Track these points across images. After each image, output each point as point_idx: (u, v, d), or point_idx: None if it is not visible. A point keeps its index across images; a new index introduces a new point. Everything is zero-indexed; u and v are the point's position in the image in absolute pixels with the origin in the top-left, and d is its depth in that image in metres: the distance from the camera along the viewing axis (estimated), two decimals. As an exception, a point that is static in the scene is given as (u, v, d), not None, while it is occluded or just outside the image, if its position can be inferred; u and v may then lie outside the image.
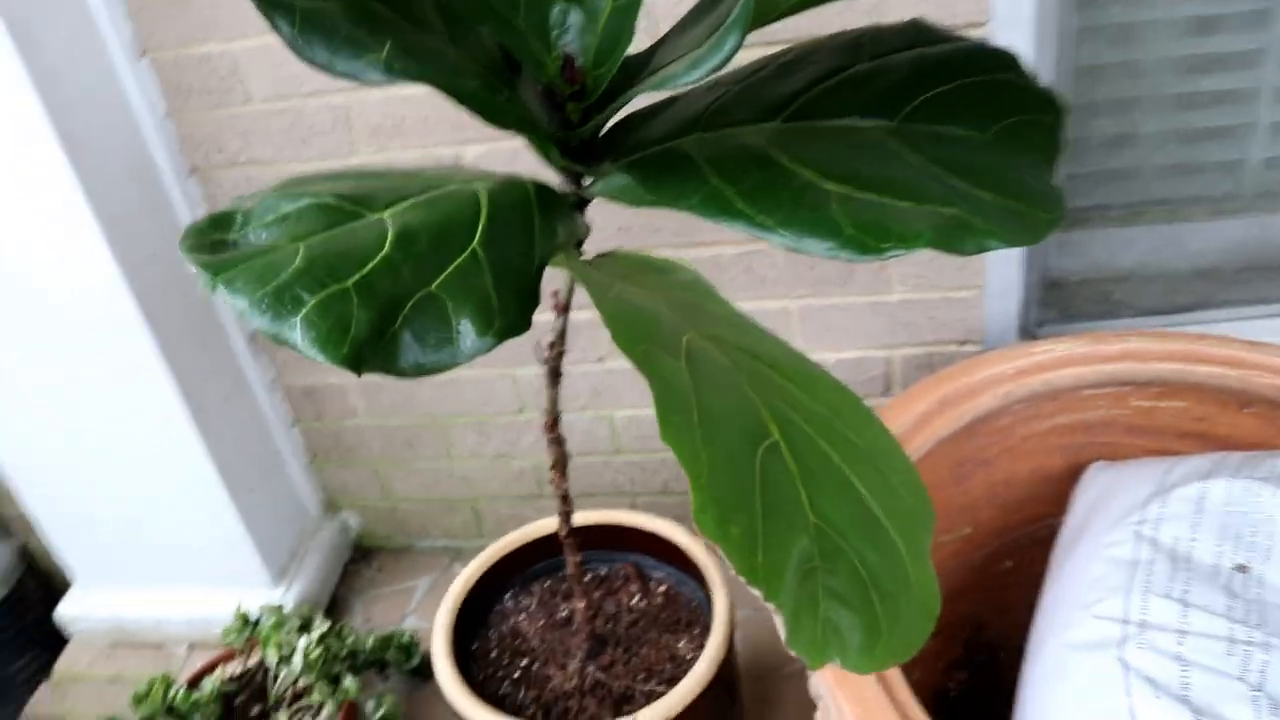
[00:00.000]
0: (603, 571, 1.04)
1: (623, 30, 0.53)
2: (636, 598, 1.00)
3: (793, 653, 0.36)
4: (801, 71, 0.57)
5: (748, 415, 0.42)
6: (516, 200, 0.51)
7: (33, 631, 1.40)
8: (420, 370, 0.43)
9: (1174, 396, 0.92)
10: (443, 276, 0.45)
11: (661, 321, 0.46)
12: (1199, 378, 0.89)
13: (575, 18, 0.54)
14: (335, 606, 1.35)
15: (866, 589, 0.40)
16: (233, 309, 0.41)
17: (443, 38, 0.49)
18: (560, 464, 0.77)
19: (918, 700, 0.69)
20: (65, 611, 1.34)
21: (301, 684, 1.04)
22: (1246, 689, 0.65)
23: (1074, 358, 0.91)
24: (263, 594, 1.25)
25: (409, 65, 0.43)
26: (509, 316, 0.45)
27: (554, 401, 0.71)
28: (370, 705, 1.04)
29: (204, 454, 1.13)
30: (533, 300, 0.48)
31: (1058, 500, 0.98)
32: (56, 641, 1.38)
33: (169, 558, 1.26)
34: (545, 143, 0.53)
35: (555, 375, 0.69)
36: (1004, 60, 0.54)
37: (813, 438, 0.44)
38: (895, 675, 0.67)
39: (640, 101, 0.55)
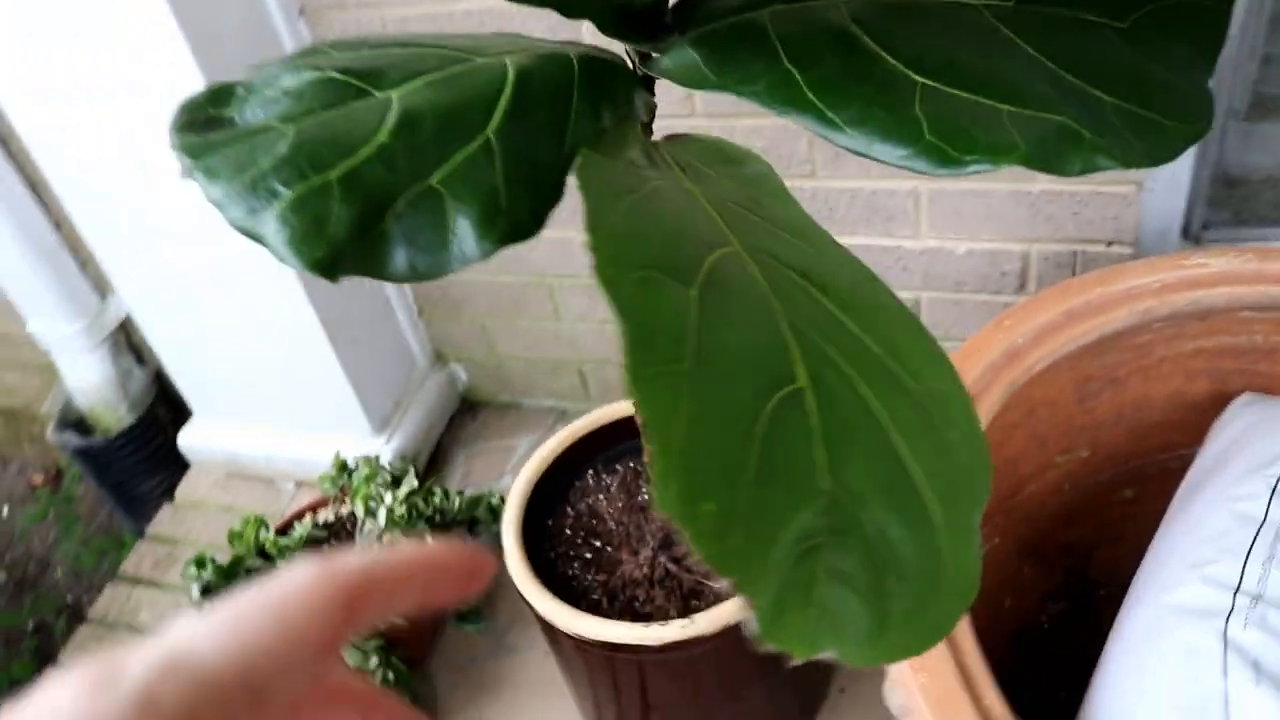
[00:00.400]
0: (613, 471, 1.00)
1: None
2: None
3: (769, 646, 0.31)
4: (909, -69, 0.48)
5: (770, 355, 0.36)
6: (553, 78, 0.45)
7: (163, 454, 1.49)
8: (409, 275, 0.38)
9: (1350, 327, 0.79)
10: (445, 169, 0.39)
11: (686, 235, 0.40)
12: (1385, 309, 0.76)
13: None
14: (438, 457, 1.37)
15: (881, 572, 0.34)
16: (208, 200, 0.36)
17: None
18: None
19: (1001, 634, 0.63)
20: (186, 440, 1.41)
21: (386, 539, 1.06)
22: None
23: (1233, 275, 0.79)
24: (365, 441, 1.28)
25: None
26: (517, 216, 0.40)
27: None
28: (451, 565, 1.05)
29: (305, 301, 1.14)
30: (552, 196, 0.42)
31: (1195, 430, 0.88)
32: (184, 466, 1.46)
33: (277, 400, 1.29)
34: (602, 16, 0.46)
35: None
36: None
37: (852, 382, 0.37)
38: (965, 631, 0.61)
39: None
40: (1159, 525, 0.79)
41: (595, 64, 0.47)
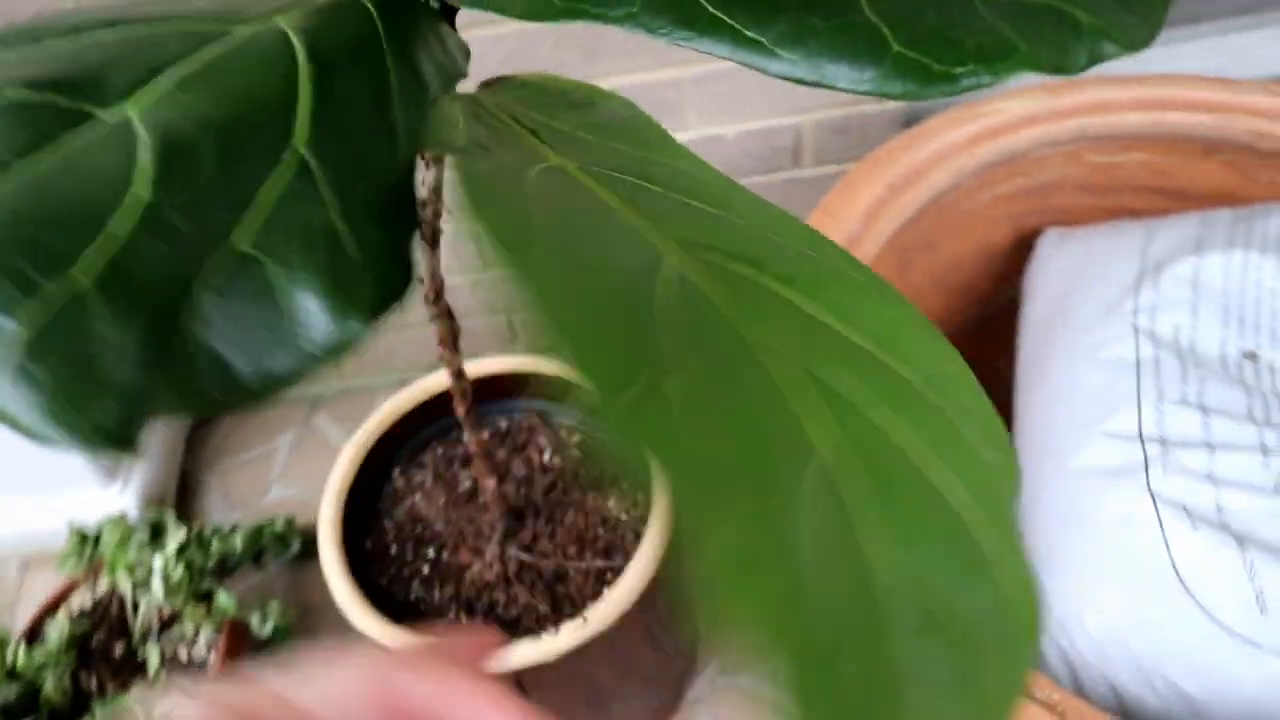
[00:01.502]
0: (503, 426, 0.89)
1: None
2: (548, 453, 0.86)
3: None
4: None
5: (772, 421, 0.26)
6: (354, 39, 0.31)
7: None
8: (245, 402, 0.25)
9: (1134, 149, 0.80)
10: (249, 217, 0.26)
11: (617, 267, 0.28)
12: (1165, 126, 0.77)
13: None
14: (186, 488, 1.17)
15: (961, 648, 0.26)
16: None
17: None
18: (450, 339, 0.59)
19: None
20: None
21: (168, 610, 0.88)
22: (1288, 504, 0.57)
23: (1030, 117, 0.77)
24: (97, 495, 1.06)
25: None
26: (380, 268, 0.27)
27: (435, 270, 0.53)
28: (255, 618, 0.89)
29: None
30: (409, 224, 0.29)
31: (1004, 276, 0.88)
32: None
33: (-32, 472, 1.04)
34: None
35: (434, 240, 0.50)
36: None
37: (860, 413, 0.28)
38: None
39: None
40: (992, 378, 0.78)
41: (399, 7, 0.34)
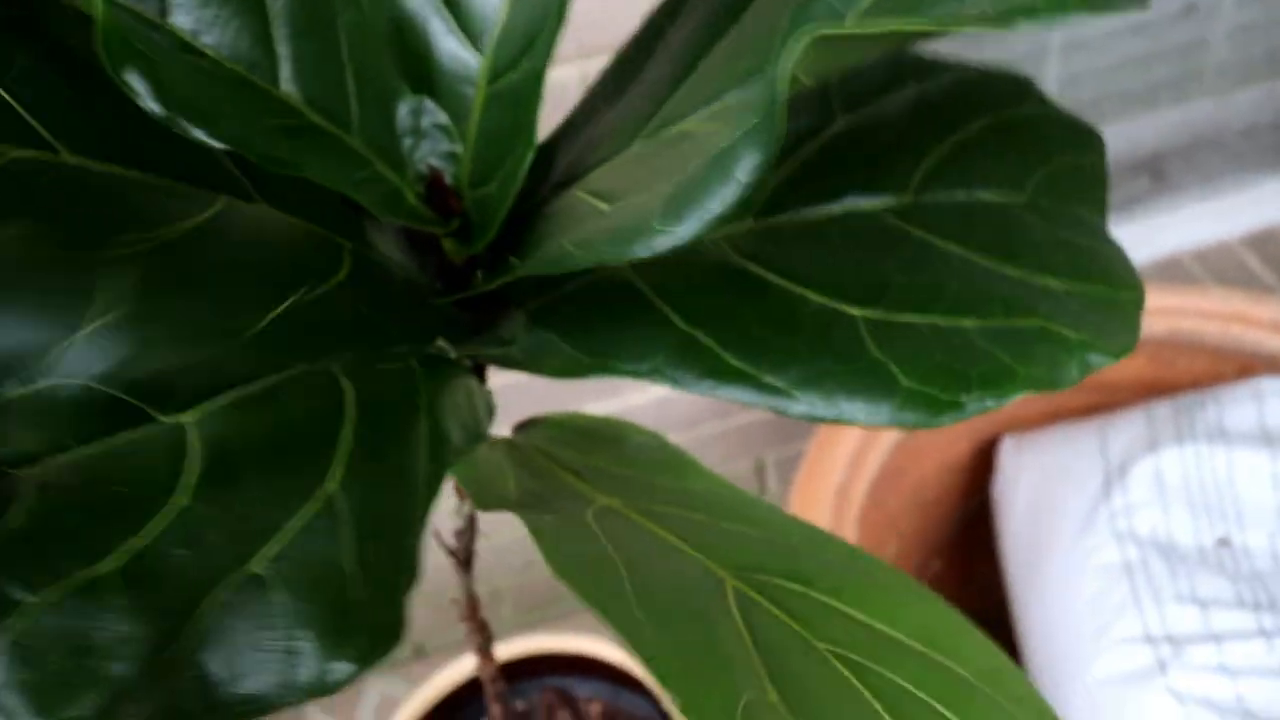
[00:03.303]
0: (520, 707, 0.87)
1: (510, 122, 0.36)
2: (572, 728, 0.85)
3: None
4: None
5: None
6: (396, 387, 0.33)
7: None
8: (228, 714, 0.25)
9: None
10: (272, 544, 0.26)
11: (697, 597, 0.31)
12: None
13: (433, 115, 0.36)
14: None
15: None
16: None
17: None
18: (485, 647, 0.60)
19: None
20: None
21: None
22: (1296, 683, 0.59)
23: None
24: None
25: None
26: (377, 616, 0.27)
27: (470, 590, 0.54)
28: None
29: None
30: (411, 575, 0.30)
31: (970, 488, 0.92)
32: None
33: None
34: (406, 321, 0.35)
35: (468, 563, 0.52)
36: (1021, 87, 0.41)
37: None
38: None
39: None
40: (972, 589, 0.80)
41: (436, 365, 0.36)
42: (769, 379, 0.35)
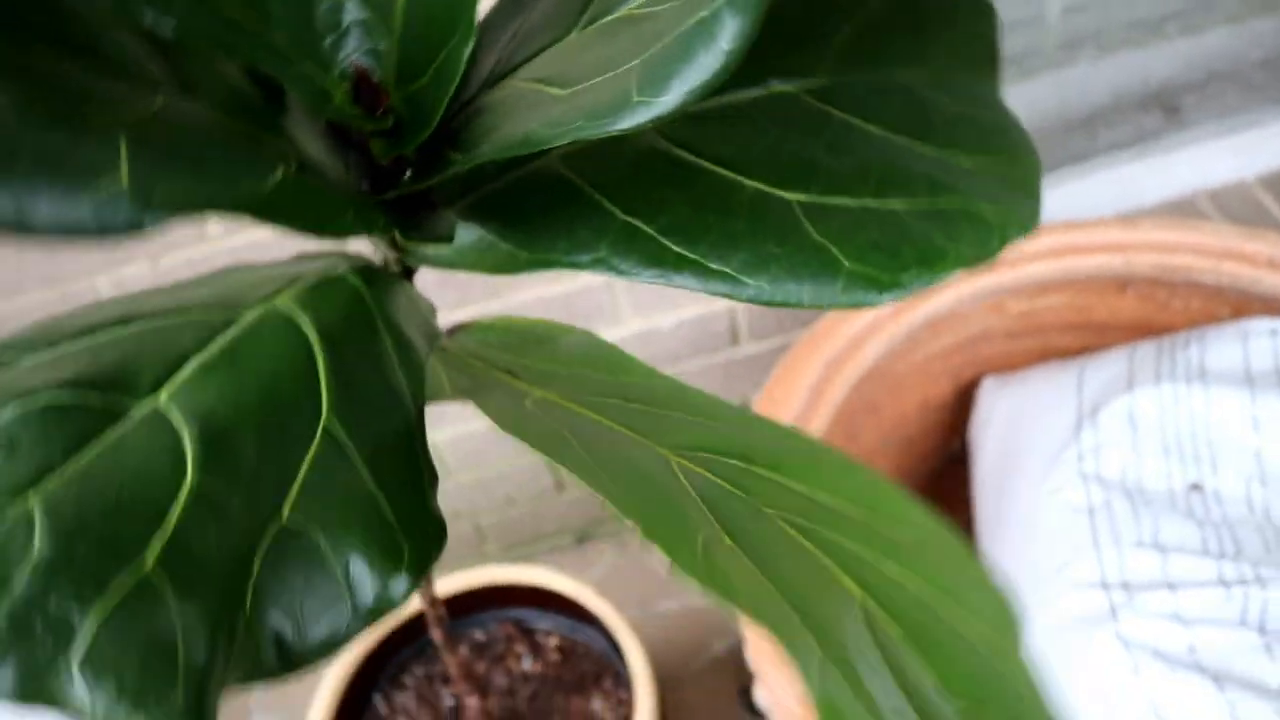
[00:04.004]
0: (479, 638, 0.87)
1: (441, 15, 0.36)
2: (527, 660, 0.85)
3: None
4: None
5: (827, 585, 0.28)
6: (348, 314, 0.33)
7: None
8: (308, 663, 0.25)
9: (1053, 293, 0.85)
10: (293, 492, 0.27)
11: (644, 463, 0.30)
12: (1078, 270, 0.82)
13: (354, 11, 0.36)
14: None
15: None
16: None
17: (162, 87, 0.30)
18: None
19: None
20: None
21: None
22: (1257, 636, 0.58)
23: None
24: None
25: (174, 183, 0.23)
26: (416, 523, 0.28)
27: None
28: None
29: None
30: (430, 470, 0.31)
31: (952, 427, 0.91)
32: None
33: None
34: (341, 214, 0.35)
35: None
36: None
37: (884, 574, 0.30)
38: None
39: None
40: (972, 532, 0.80)
41: (373, 276, 0.36)
42: (714, 265, 0.35)
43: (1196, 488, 0.68)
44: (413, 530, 0.28)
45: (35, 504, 0.24)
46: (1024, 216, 0.36)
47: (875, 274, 0.33)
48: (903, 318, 0.81)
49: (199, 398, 0.27)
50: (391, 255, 0.40)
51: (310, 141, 0.37)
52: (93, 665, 0.22)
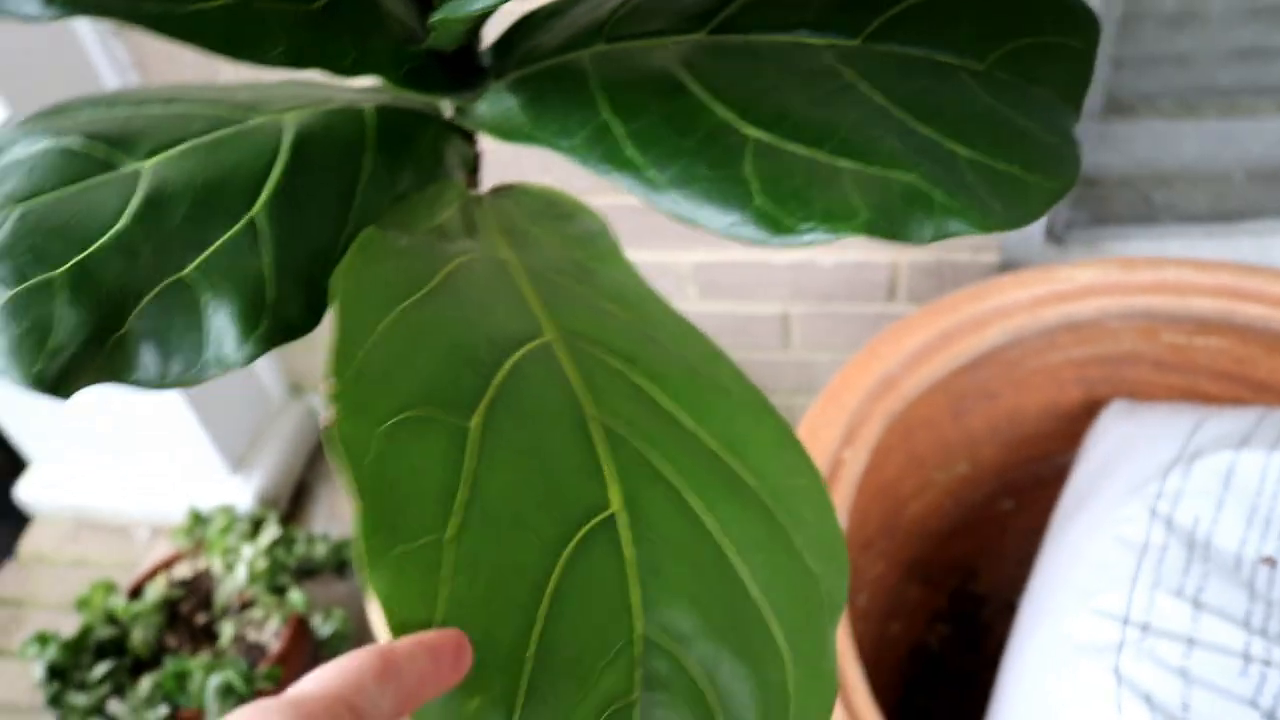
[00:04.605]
0: None
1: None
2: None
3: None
4: (743, -40, 0.43)
5: (576, 481, 0.32)
6: (341, 138, 0.39)
7: (2, 505, 1.37)
8: (157, 384, 0.32)
9: (1212, 334, 0.79)
10: (200, 258, 0.33)
11: (482, 335, 0.34)
12: (1243, 318, 0.76)
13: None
14: (301, 495, 1.30)
15: (711, 718, 0.30)
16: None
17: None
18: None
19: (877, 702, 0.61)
20: (25, 491, 1.30)
21: (248, 594, 0.98)
22: (1258, 717, 0.55)
23: (1099, 287, 0.78)
24: (222, 483, 1.19)
25: None
26: (287, 313, 0.34)
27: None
28: (318, 619, 0.98)
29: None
30: (325, 281, 0.36)
31: (1069, 437, 0.88)
32: (26, 519, 1.35)
33: (122, 444, 1.20)
34: (387, 64, 0.40)
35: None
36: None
37: (680, 495, 0.33)
38: (857, 683, 0.58)
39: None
40: (1040, 539, 0.78)
41: (396, 116, 0.42)
42: (650, 172, 0.38)
43: (1270, 562, 0.64)
44: (282, 312, 0.34)
45: (15, 211, 0.32)
46: (983, 215, 0.36)
47: (778, 215, 0.35)
48: (1040, 311, 0.79)
49: (167, 170, 0.34)
50: (436, 112, 0.46)
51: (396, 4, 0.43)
52: None
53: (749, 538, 0.34)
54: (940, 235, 0.36)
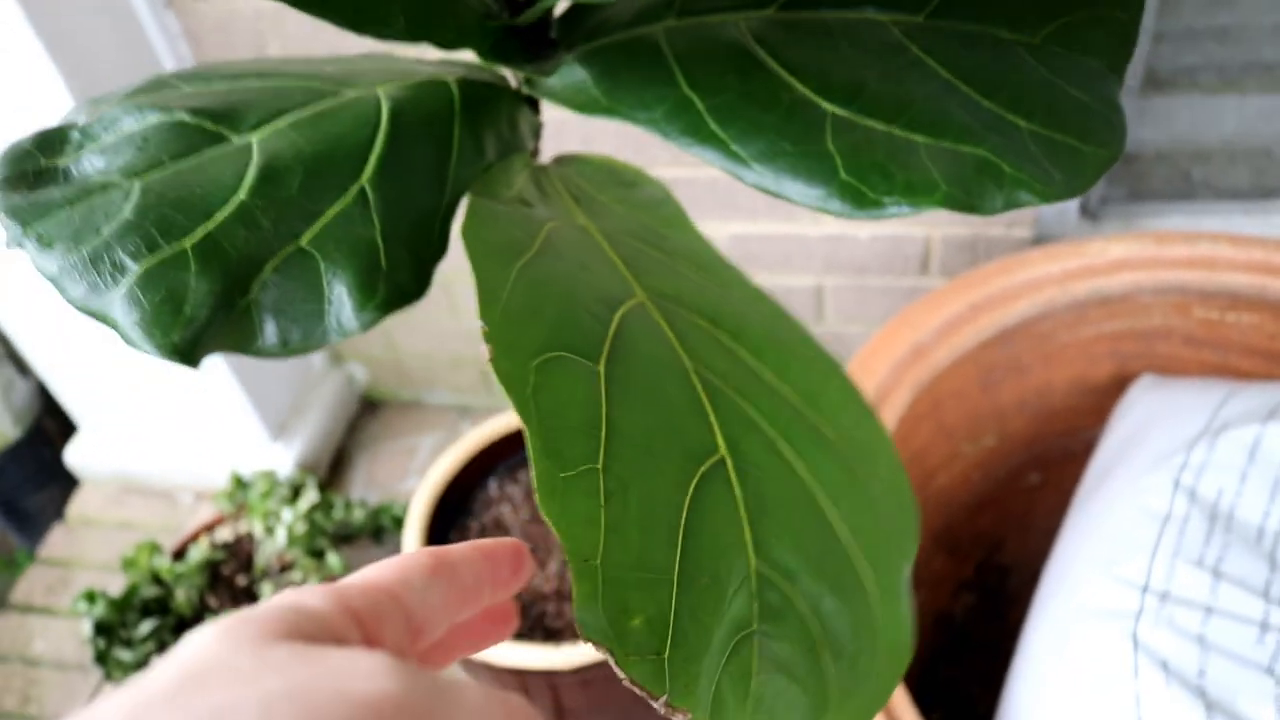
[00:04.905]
0: None
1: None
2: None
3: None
4: (810, -61, 0.45)
5: (688, 426, 0.34)
6: (431, 111, 0.41)
7: (54, 469, 1.40)
8: (280, 351, 0.34)
9: (1245, 310, 0.81)
10: (316, 227, 0.35)
11: (588, 293, 0.36)
12: (1276, 294, 0.78)
13: None
14: (340, 461, 1.32)
15: (817, 650, 0.32)
16: (42, 275, 0.32)
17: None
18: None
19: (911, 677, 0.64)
20: (74, 456, 1.33)
21: (287, 557, 1.01)
22: (1273, 684, 0.57)
23: (1131, 261, 0.80)
24: (263, 449, 1.22)
25: None
26: (399, 278, 0.36)
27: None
28: (357, 580, 1.01)
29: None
30: (438, 250, 0.39)
31: (1099, 412, 0.89)
32: (76, 481, 1.38)
33: (168, 410, 1.22)
34: (477, 38, 0.42)
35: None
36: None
37: (774, 443, 0.35)
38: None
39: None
40: (1065, 512, 0.80)
41: (476, 88, 0.44)
42: (735, 147, 0.40)
43: (1294, 535, 0.66)
44: (396, 278, 0.36)
45: (136, 185, 0.34)
46: (1046, 185, 0.38)
47: (862, 190, 0.37)
48: (1071, 285, 0.80)
49: (277, 142, 0.36)
50: (518, 79, 0.48)
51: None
52: (129, 298, 0.32)
53: (835, 484, 0.36)
54: (1010, 205, 0.37)
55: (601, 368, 0.32)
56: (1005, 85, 0.39)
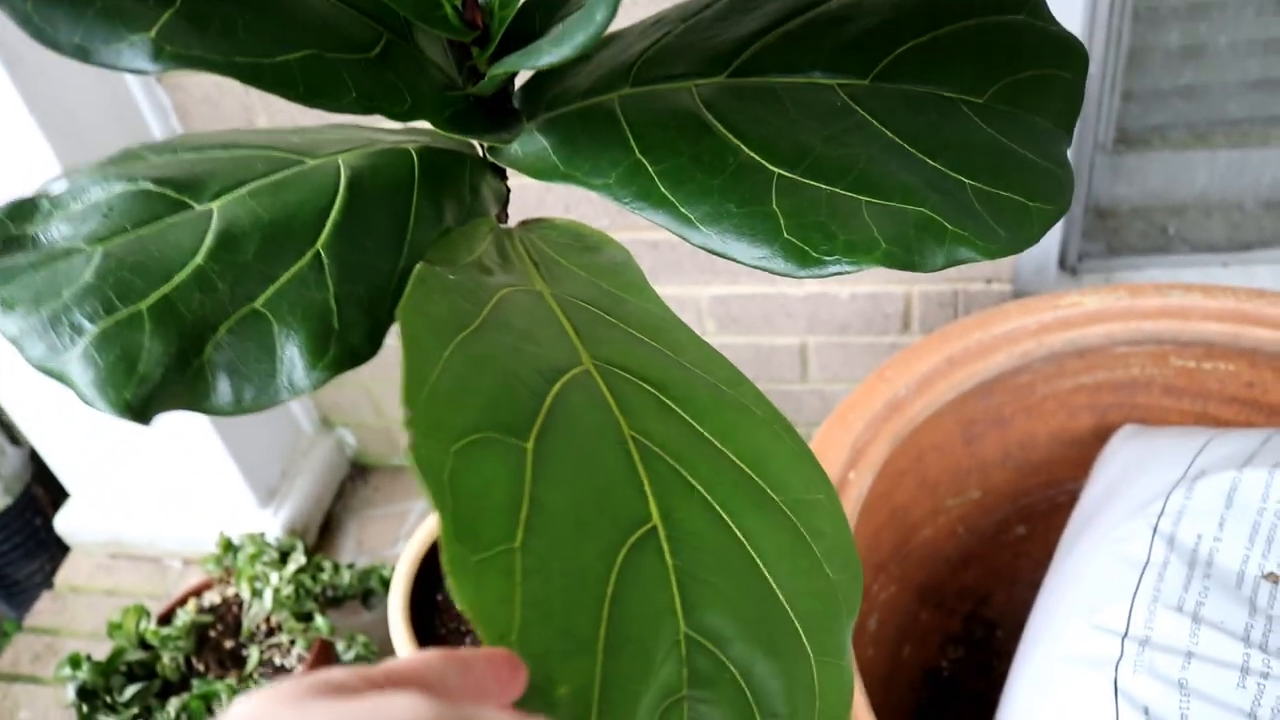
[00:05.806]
0: None
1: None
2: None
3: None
4: (761, 8, 0.46)
5: (620, 496, 0.34)
6: (390, 178, 0.42)
7: (43, 537, 1.40)
8: (233, 409, 0.35)
9: (1221, 359, 0.81)
10: (271, 290, 0.36)
11: (529, 364, 0.37)
12: (1251, 341, 0.78)
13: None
14: (329, 526, 1.32)
15: (752, 713, 0.32)
16: (4, 336, 0.33)
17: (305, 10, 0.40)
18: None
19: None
20: (64, 523, 1.33)
21: (274, 620, 1.01)
22: (1256, 729, 0.57)
23: (1105, 313, 0.81)
24: (252, 515, 1.22)
25: (192, 46, 0.33)
26: (351, 340, 0.37)
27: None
28: (342, 644, 1.01)
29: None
30: (390, 314, 0.39)
31: (1082, 464, 0.90)
32: (65, 549, 1.38)
33: (156, 476, 1.23)
34: (433, 109, 0.43)
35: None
36: (1022, -2, 0.43)
37: (712, 508, 0.36)
38: (860, 703, 0.60)
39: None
40: (1050, 565, 0.80)
41: (437, 156, 0.45)
42: (684, 209, 0.41)
43: (1273, 578, 0.66)
44: (347, 340, 0.37)
45: (98, 250, 0.35)
46: (989, 242, 0.39)
47: (804, 249, 0.38)
48: (1046, 338, 0.81)
49: (236, 210, 0.37)
50: (483, 147, 0.49)
51: (429, 43, 0.46)
52: (84, 358, 0.33)
53: (775, 547, 0.37)
54: (951, 262, 0.38)
55: (530, 444, 0.32)
56: (950, 145, 0.41)
